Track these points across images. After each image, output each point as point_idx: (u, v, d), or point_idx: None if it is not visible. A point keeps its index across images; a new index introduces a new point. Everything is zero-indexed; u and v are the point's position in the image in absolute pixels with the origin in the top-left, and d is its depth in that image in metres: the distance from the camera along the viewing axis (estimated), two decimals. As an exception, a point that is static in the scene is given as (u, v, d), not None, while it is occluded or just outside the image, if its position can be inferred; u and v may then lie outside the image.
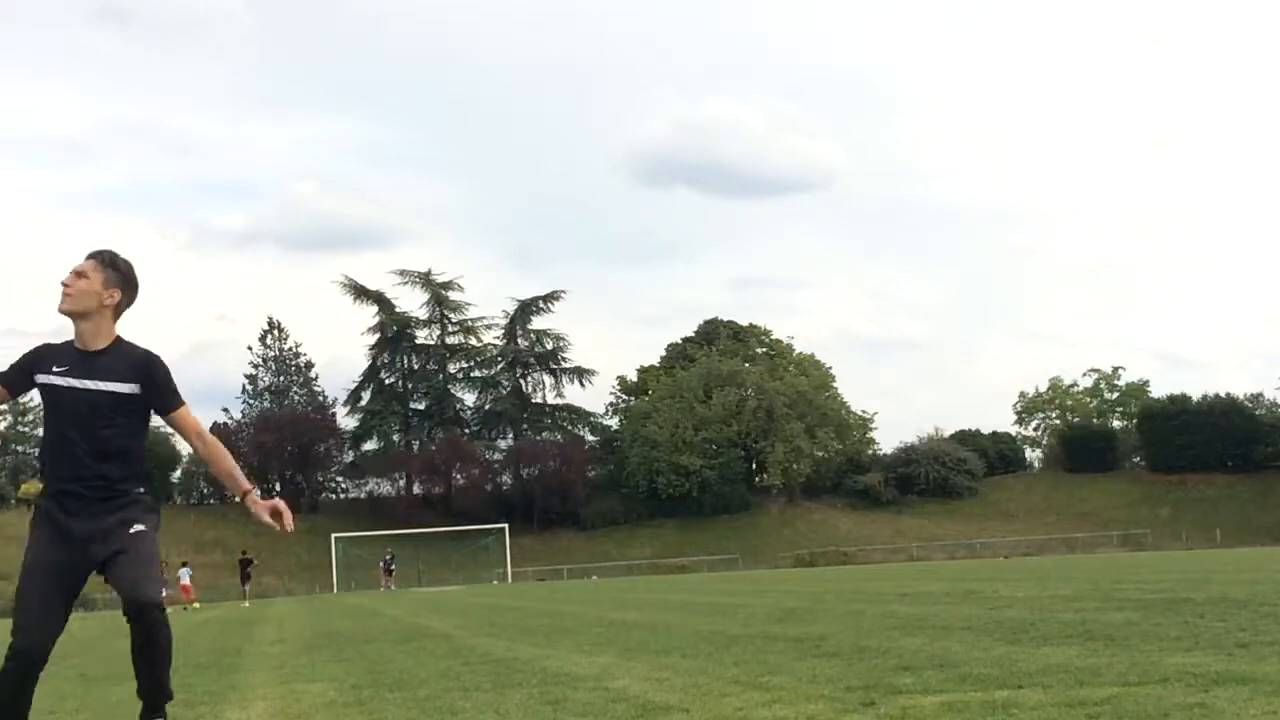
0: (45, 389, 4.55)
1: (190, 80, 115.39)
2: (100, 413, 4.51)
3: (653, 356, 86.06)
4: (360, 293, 79.57)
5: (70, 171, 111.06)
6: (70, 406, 4.51)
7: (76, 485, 4.53)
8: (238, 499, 4.73)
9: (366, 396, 79.90)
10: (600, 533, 72.46)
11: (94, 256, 4.68)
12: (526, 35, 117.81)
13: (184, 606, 38.54)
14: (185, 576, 41.06)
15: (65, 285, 4.56)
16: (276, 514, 4.66)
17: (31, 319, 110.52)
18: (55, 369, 4.53)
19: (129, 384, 4.55)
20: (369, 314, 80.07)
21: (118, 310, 4.69)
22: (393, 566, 55.43)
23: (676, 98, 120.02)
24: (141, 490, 4.62)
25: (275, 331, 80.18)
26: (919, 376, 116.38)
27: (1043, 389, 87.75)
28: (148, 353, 4.66)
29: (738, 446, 75.08)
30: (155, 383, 4.61)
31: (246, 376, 78.98)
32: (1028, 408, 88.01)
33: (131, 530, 4.47)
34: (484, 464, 76.49)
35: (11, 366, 4.66)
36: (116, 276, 4.67)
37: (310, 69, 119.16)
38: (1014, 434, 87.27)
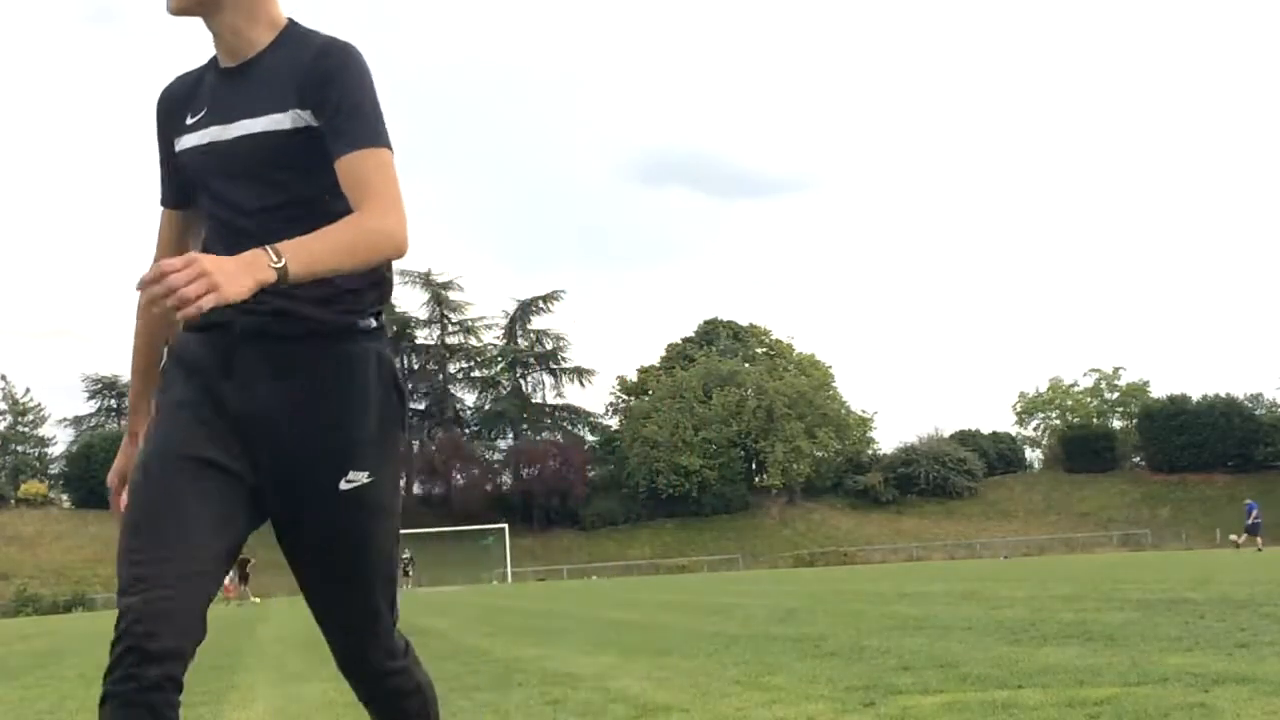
0: (179, 160, 2.55)
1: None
2: (255, 173, 2.43)
3: (653, 356, 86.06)
4: (360, 293, 79.51)
5: (68, 171, 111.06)
6: (212, 175, 2.48)
7: (231, 309, 2.19)
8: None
9: (366, 396, 79.86)
10: (600, 533, 72.45)
11: None
12: (526, 34, 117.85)
13: (226, 603, 38.18)
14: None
15: None
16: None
17: (27, 320, 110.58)
18: (189, 120, 2.54)
19: (291, 109, 2.42)
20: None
21: None
22: (409, 569, 55.44)
23: (676, 97, 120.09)
24: (374, 324, 2.50)
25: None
26: (919, 376, 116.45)
27: (1043, 389, 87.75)
28: (328, 43, 2.47)
29: (738, 446, 75.07)
30: (331, 98, 2.39)
31: (246, 376, 79.00)
32: (1028, 408, 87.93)
33: (349, 482, 2.42)
34: (484, 464, 76.52)
35: (163, 171, 2.65)
36: None
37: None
38: (1014, 434, 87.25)
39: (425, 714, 2.71)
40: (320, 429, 2.39)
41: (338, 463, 2.40)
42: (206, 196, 2.50)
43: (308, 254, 2.17)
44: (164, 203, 2.66)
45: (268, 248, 2.12)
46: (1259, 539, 38.96)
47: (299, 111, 2.40)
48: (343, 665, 2.67)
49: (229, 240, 2.39)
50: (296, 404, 2.36)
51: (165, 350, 2.59)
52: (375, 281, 2.49)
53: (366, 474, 2.42)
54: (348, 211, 2.33)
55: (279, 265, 2.11)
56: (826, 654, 7.38)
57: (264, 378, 2.38)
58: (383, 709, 2.72)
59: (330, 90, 2.39)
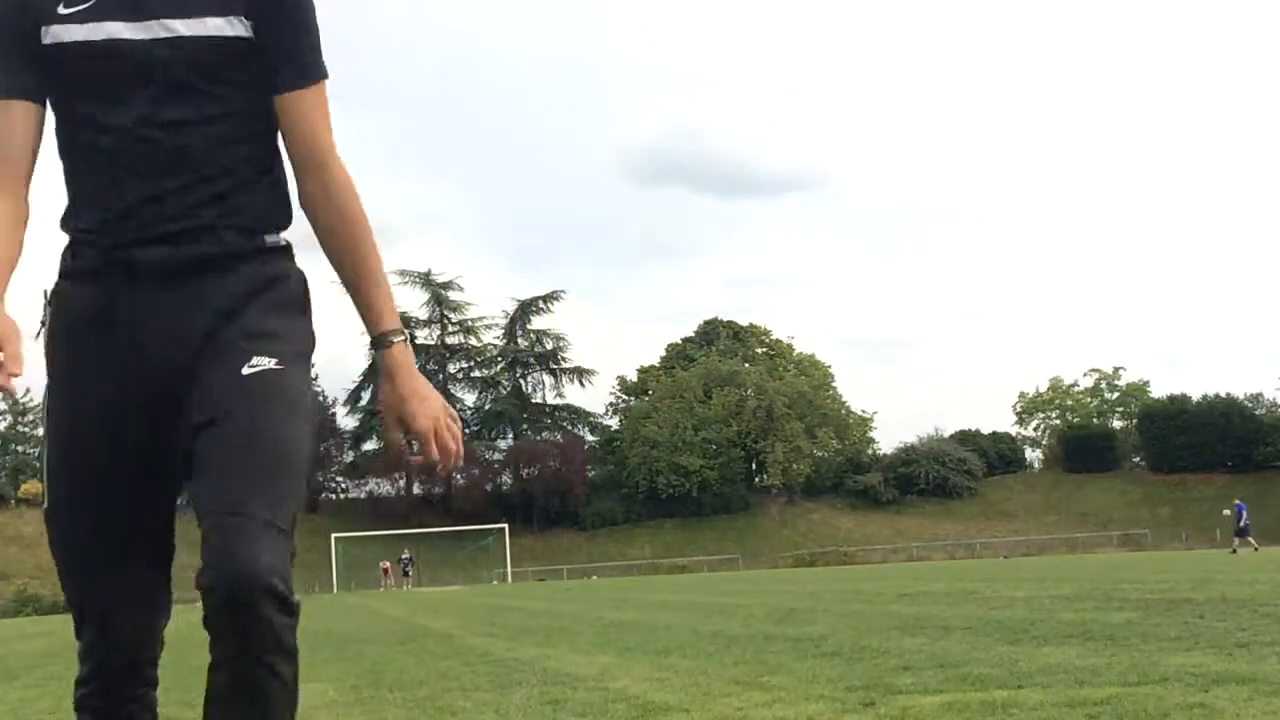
0: (51, 54, 2.09)
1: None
2: (187, 83, 2.08)
3: (653, 356, 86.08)
4: (360, 293, 79.49)
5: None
6: (106, 79, 2.07)
7: (131, 243, 2.09)
8: (369, 344, 2.26)
9: (366, 396, 79.89)
10: (600, 533, 72.47)
11: None
12: (526, 34, 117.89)
13: None
14: None
15: None
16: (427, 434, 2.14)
17: (26, 321, 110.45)
18: (65, 9, 2.09)
19: (233, 16, 2.10)
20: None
21: None
22: (409, 569, 55.42)
23: (674, 97, 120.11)
24: (281, 242, 2.21)
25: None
26: (919, 376, 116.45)
27: (1043, 389, 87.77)
28: None
29: (738, 446, 75.08)
30: (281, 15, 2.13)
31: (246, 377, 79.00)
32: (1028, 408, 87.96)
33: (252, 366, 2.06)
34: (484, 464, 76.54)
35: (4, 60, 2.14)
36: None
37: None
38: (1014, 434, 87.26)
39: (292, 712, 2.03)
40: (232, 342, 2.09)
41: (243, 357, 2.07)
42: (93, 104, 2.08)
43: (395, 308, 2.27)
44: (8, 93, 2.13)
45: (404, 340, 2.25)
46: (1251, 539, 39.01)
47: (241, 19, 2.10)
48: (220, 583, 1.87)
49: (145, 157, 2.07)
50: (209, 332, 2.09)
51: (48, 296, 2.26)
52: (280, 197, 2.23)
53: (274, 360, 2.07)
54: (266, 140, 2.18)
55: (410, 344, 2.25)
56: (826, 654, 7.38)
57: (173, 313, 2.09)
58: (248, 677, 1.93)
59: (281, 5, 2.13)
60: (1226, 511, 41.76)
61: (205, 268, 2.10)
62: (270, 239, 2.18)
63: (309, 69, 2.17)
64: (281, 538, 1.96)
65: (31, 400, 78.08)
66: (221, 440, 1.99)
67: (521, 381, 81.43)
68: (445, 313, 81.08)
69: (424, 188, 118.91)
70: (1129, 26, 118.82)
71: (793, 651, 7.72)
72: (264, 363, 2.07)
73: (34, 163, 2.20)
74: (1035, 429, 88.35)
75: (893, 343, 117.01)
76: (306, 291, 2.24)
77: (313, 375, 2.38)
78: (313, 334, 2.24)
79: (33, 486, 71.46)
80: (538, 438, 78.53)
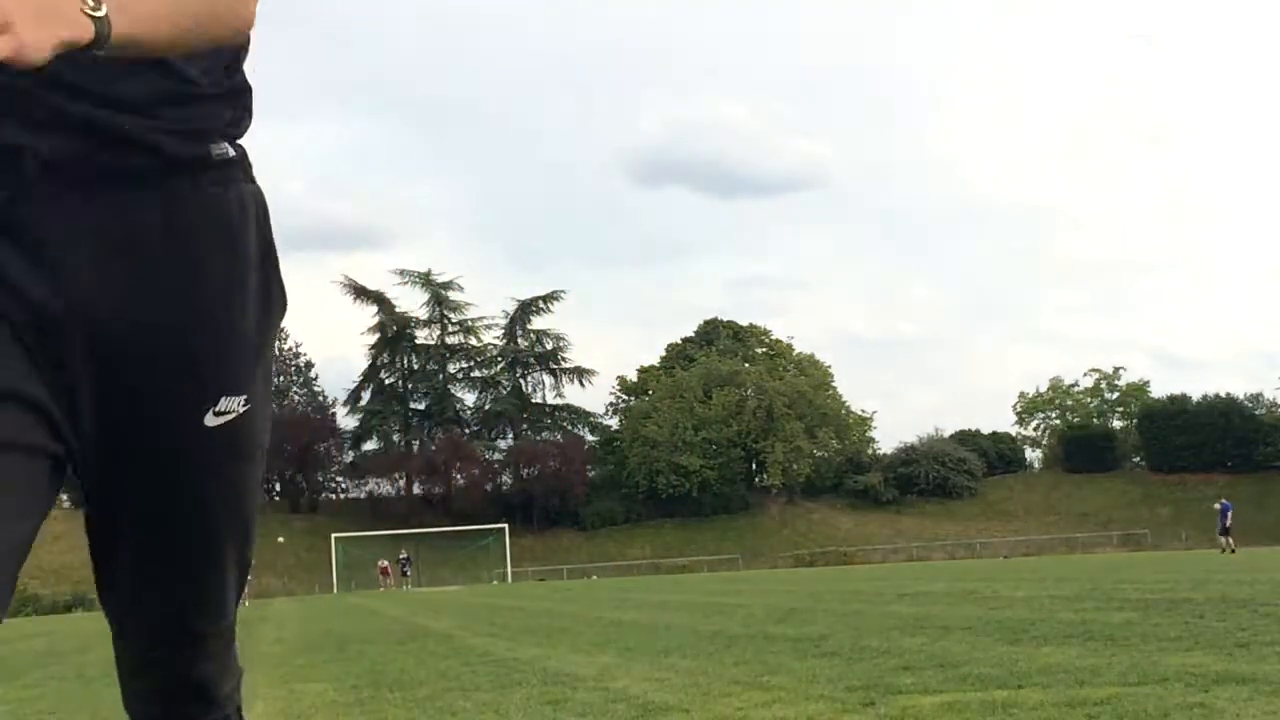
0: None
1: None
2: None
3: (653, 356, 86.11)
4: (360, 293, 79.60)
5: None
6: None
7: (22, 123, 1.37)
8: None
9: (366, 396, 79.95)
10: (600, 533, 72.46)
11: None
12: (525, 34, 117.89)
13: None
14: None
15: None
16: None
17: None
18: None
19: None
20: (369, 314, 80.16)
21: None
22: (407, 569, 55.42)
23: (674, 97, 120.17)
24: (231, 152, 1.52)
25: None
26: (919, 376, 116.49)
27: (1043, 389, 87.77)
28: None
29: (738, 446, 75.08)
30: None
31: (246, 376, 78.91)
32: (1028, 408, 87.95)
33: (220, 415, 1.51)
34: (484, 464, 76.53)
35: None
36: None
37: (309, 68, 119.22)
38: (1014, 434, 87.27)
39: None
40: (178, 331, 1.46)
41: (204, 385, 1.48)
42: None
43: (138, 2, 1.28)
44: None
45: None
46: (1220, 535, 39.35)
47: None
48: (148, 696, 1.67)
49: None
50: (138, 290, 1.43)
51: None
52: (236, 90, 1.53)
53: (243, 399, 1.51)
54: None
55: (99, 14, 1.22)
56: (826, 654, 7.38)
57: (85, 246, 1.41)
58: None
59: None
60: (1216, 506, 41.89)
61: (127, 179, 1.42)
62: (217, 149, 1.49)
63: None
64: (228, 635, 1.70)
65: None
66: (166, 526, 1.54)
67: (521, 381, 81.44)
68: (445, 313, 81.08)
69: (424, 187, 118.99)
70: (1125, 21, 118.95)
71: (793, 651, 7.73)
72: (232, 407, 1.51)
73: None
74: (1035, 429, 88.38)
75: (893, 343, 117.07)
76: (269, 225, 1.57)
77: (282, 340, 1.66)
78: (283, 291, 1.60)
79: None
80: (538, 438, 78.53)
